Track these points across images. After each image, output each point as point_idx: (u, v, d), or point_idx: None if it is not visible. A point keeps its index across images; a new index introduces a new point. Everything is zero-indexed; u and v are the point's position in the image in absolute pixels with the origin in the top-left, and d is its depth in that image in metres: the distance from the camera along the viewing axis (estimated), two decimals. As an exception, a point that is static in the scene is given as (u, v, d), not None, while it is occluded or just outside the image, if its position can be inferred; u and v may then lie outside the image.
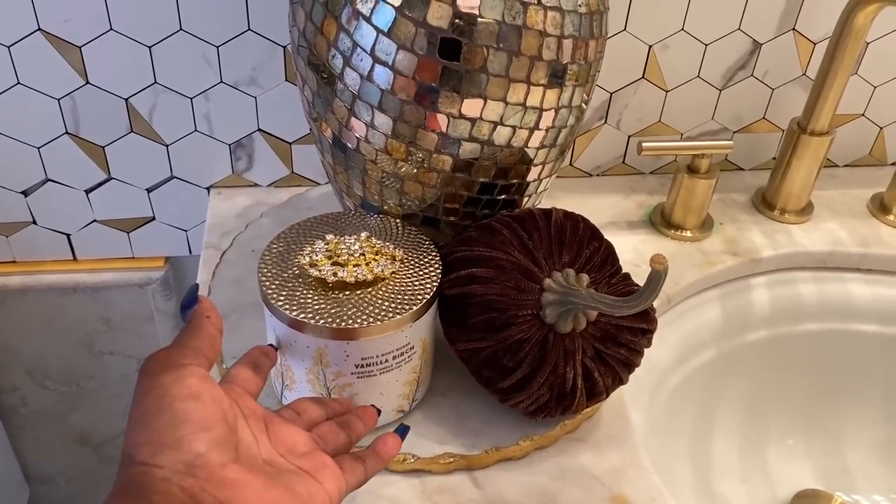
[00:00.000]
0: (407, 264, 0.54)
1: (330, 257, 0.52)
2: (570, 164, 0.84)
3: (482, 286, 0.53)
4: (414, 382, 0.55)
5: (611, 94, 0.80)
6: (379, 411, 0.51)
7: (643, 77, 0.79)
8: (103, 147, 0.76)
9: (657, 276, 0.45)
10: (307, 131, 0.77)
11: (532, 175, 0.57)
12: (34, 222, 0.80)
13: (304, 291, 0.51)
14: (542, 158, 0.56)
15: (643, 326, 0.55)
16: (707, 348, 0.75)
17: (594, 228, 0.57)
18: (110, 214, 0.81)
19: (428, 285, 0.53)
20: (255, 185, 0.81)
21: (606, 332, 0.54)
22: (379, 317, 0.50)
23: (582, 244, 0.55)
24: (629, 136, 0.83)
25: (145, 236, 0.83)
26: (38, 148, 0.75)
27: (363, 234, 0.54)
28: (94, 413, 0.97)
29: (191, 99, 0.74)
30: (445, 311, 0.55)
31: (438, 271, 0.54)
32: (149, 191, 0.79)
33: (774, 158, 0.87)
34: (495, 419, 0.58)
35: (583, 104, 0.56)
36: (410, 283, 0.53)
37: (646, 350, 0.57)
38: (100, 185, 0.78)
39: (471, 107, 0.50)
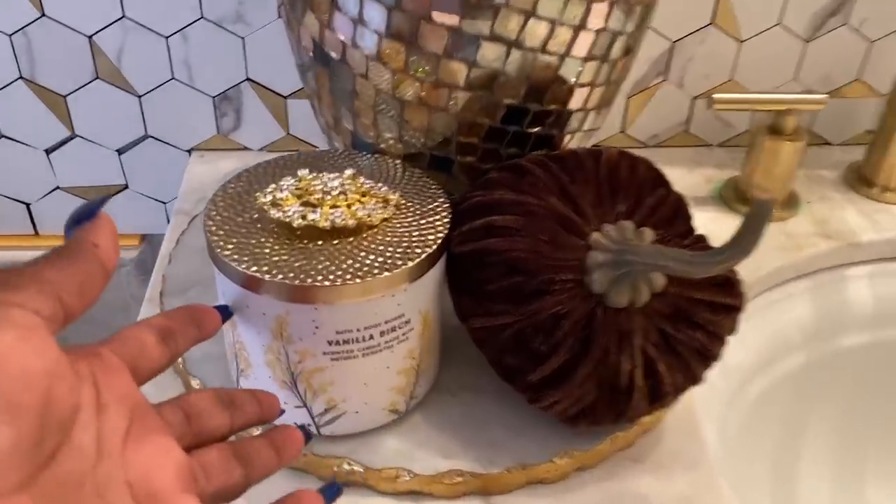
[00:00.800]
0: (404, 210, 0.40)
1: (300, 195, 0.39)
2: (622, 131, 0.70)
3: (504, 240, 0.39)
4: (412, 372, 0.41)
5: (672, 42, 0.65)
6: (308, 436, 0.34)
7: (712, 23, 0.65)
8: (64, 97, 0.64)
9: (762, 211, 0.30)
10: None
11: (576, 101, 0.43)
12: (-13, 188, 0.68)
13: (263, 240, 0.38)
14: (590, 77, 0.42)
15: (727, 301, 0.40)
16: (795, 353, 0.59)
17: (659, 172, 0.43)
18: (76, 180, 0.69)
19: (430, 236, 0.39)
20: (245, 148, 0.68)
21: (677, 309, 0.40)
22: (360, 272, 0.36)
23: (642, 191, 0.41)
24: (694, 98, 0.69)
25: (117, 209, 0.70)
26: (-11, 96, 0.63)
27: (347, 172, 0.40)
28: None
29: (166, 38, 0.62)
30: (455, 276, 0.41)
31: (446, 220, 0.40)
32: (119, 152, 0.67)
33: (870, 132, 0.71)
34: (522, 427, 0.43)
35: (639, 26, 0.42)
36: (407, 234, 0.39)
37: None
38: (62, 143, 0.66)
39: (493, -12, 0.37)
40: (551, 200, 0.40)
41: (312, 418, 0.40)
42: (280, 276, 0.35)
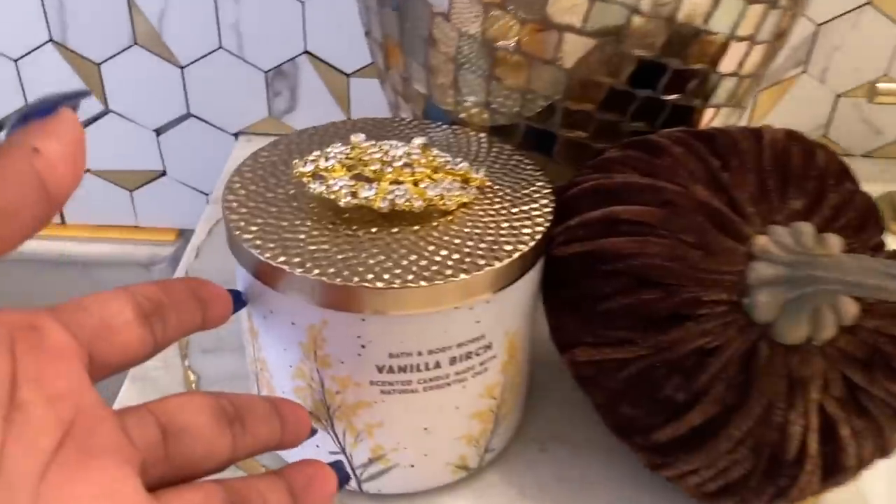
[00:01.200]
0: (489, 194, 0.30)
1: (351, 166, 0.29)
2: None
3: (632, 239, 0.28)
4: (489, 416, 0.30)
5: (817, 25, 0.53)
6: (345, 479, 0.24)
7: (870, 2, 0.53)
8: (98, 64, 0.56)
9: None
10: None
11: (728, 62, 0.32)
12: (12, 168, 0.60)
13: (298, 222, 0.28)
14: (752, 28, 0.31)
15: (950, 344, 0.28)
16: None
17: (843, 163, 0.31)
18: (108, 163, 0.60)
19: (525, 231, 0.28)
20: (299, 134, 0.59)
21: (874, 351, 0.28)
22: (426, 272, 0.25)
23: (822, 185, 0.29)
24: (838, 96, 0.56)
25: (153, 198, 0.62)
26: (15, 61, 0.55)
27: (417, 141, 0.30)
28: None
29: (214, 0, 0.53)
30: (556, 288, 0.30)
31: (547, 210, 0.29)
32: (158, 133, 0.59)
33: None
34: (636, 499, 0.32)
35: None
36: (493, 225, 0.28)
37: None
38: (95, 119, 0.58)
39: None
40: (698, 189, 0.28)
41: (353, 470, 0.30)
42: (316, 271, 0.25)
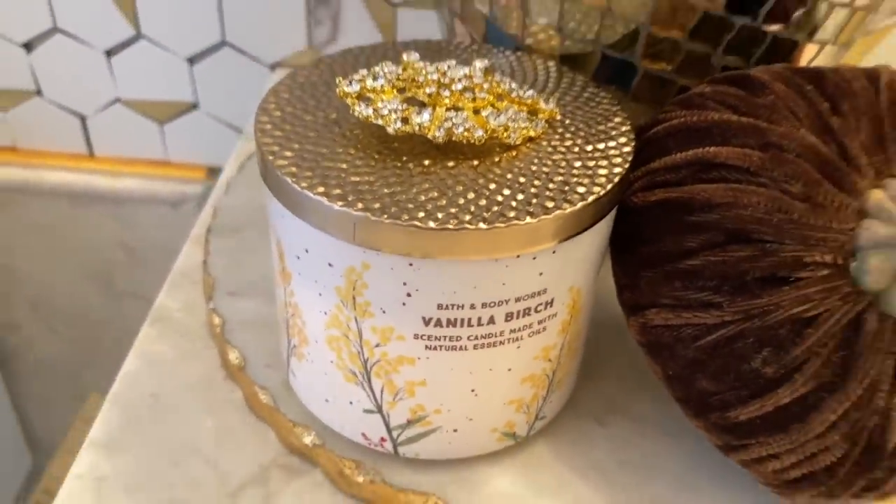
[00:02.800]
0: (560, 129, 0.26)
1: (402, 89, 0.25)
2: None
3: (727, 186, 0.24)
4: (543, 381, 0.27)
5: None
6: None
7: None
8: (131, -15, 0.52)
9: None
10: (421, -14, 0.51)
11: (844, -12, 0.27)
12: (39, 92, 0.58)
13: (340, 150, 0.24)
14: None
15: None
16: None
17: (971, 111, 0.27)
18: (139, 92, 0.57)
19: (602, 171, 0.24)
20: (340, 69, 0.55)
21: None
22: (485, 213, 0.22)
23: (950, 134, 0.25)
24: (931, 51, 0.51)
25: (184, 132, 0.59)
26: (44, -22, 0.52)
27: (479, 64, 0.26)
28: (113, 373, 0.75)
29: (256, -83, 0.49)
30: (630, 241, 0.26)
31: (626, 150, 0.25)
32: (191, 61, 0.55)
33: None
34: (700, 483, 0.28)
35: None
36: (564, 164, 0.24)
37: None
38: (125, 45, 0.55)
39: None
40: (803, 134, 0.24)
41: (389, 430, 0.27)
42: (360, 205, 0.22)
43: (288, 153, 0.24)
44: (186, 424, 0.31)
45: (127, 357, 0.34)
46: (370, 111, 0.24)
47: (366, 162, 0.24)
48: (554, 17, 0.28)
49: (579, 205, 0.23)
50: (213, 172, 0.61)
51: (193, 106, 0.57)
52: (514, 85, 0.26)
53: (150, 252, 0.65)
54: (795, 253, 0.23)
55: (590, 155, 0.25)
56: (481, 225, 0.21)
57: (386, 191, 0.22)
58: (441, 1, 0.33)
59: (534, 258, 0.23)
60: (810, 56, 0.29)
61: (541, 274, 0.23)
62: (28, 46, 0.55)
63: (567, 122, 0.26)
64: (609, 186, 0.23)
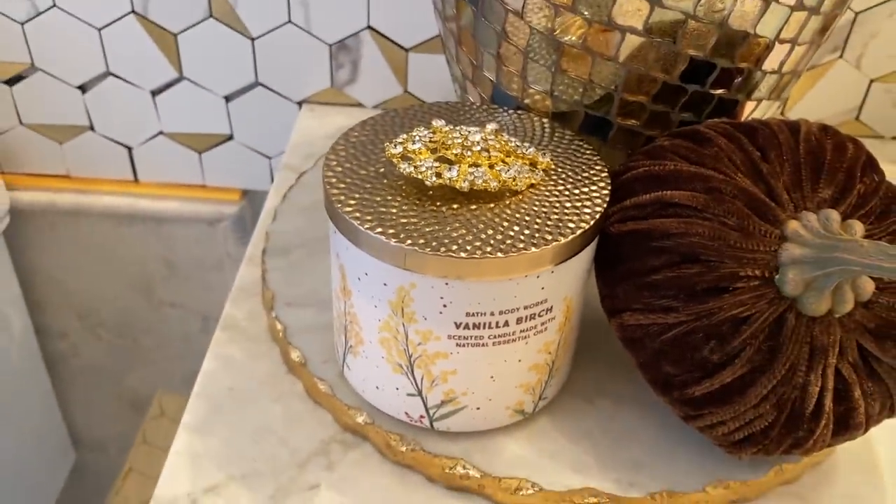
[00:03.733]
0: (554, 177, 0.34)
1: (434, 150, 0.33)
2: (781, 112, 0.61)
3: (680, 220, 0.32)
4: (545, 369, 0.35)
5: (856, 14, 0.56)
6: None
7: (907, -9, 0.55)
8: (175, 35, 0.60)
9: None
10: (430, 33, 0.58)
11: (771, 61, 0.35)
12: (92, 128, 0.65)
13: (389, 198, 0.32)
14: (795, 31, 0.34)
15: (955, 320, 0.32)
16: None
17: (870, 155, 0.35)
18: (180, 126, 0.65)
19: (586, 210, 0.32)
20: (359, 104, 0.63)
21: (886, 324, 0.32)
22: (502, 245, 0.30)
23: (851, 175, 0.33)
24: (871, 81, 0.59)
25: (220, 160, 0.67)
26: (99, 30, 0.60)
27: (490, 126, 0.34)
28: (151, 375, 0.82)
29: (286, -23, 0.57)
30: (610, 261, 0.34)
31: (605, 192, 0.33)
32: (227, 99, 0.63)
33: None
34: (669, 447, 0.36)
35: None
36: (558, 204, 0.32)
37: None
38: (169, 85, 0.62)
39: None
40: (739, 179, 0.32)
41: (427, 409, 0.35)
42: (409, 241, 0.30)
43: (351, 201, 0.32)
44: (259, 411, 0.39)
45: (205, 359, 0.42)
46: (411, 168, 0.32)
47: (410, 207, 0.31)
48: (547, 85, 0.36)
49: (570, 237, 0.30)
50: (247, 194, 0.69)
51: (229, 137, 0.65)
52: (517, 143, 0.34)
53: (188, 265, 0.73)
54: (732, 269, 0.31)
55: (577, 197, 0.33)
56: (498, 254, 0.29)
57: (427, 229, 0.30)
58: (454, 63, 0.41)
59: (538, 277, 0.31)
60: (750, 110, 0.37)
61: (542, 288, 0.31)
62: (83, 88, 0.63)
63: (559, 170, 0.34)
64: (592, 222, 0.31)
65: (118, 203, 0.68)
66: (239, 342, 0.42)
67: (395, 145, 0.33)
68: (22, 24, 0.60)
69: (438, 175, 0.32)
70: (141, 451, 0.81)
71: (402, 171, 0.32)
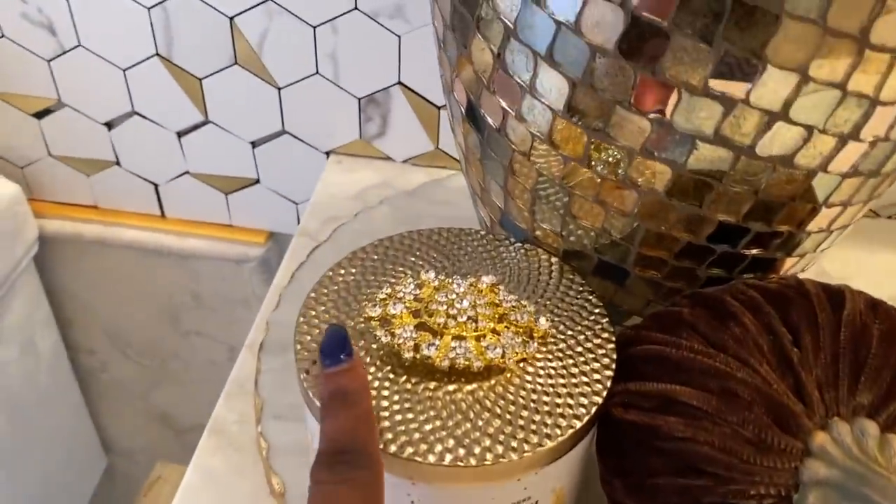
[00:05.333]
0: (551, 346, 0.30)
1: (417, 313, 0.29)
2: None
3: (687, 422, 0.28)
4: (532, 550, 0.31)
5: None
6: None
7: None
8: (200, 79, 0.57)
9: None
10: (464, 93, 0.54)
11: (818, 223, 0.30)
12: (118, 163, 0.64)
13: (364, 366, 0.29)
14: (847, 195, 0.29)
15: None
16: None
17: (926, 345, 0.30)
18: (206, 168, 0.63)
19: (583, 399, 0.28)
20: (387, 158, 0.59)
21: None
22: (474, 451, 0.26)
23: (898, 374, 0.28)
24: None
25: (246, 202, 0.64)
26: (124, 70, 0.58)
27: (485, 280, 0.30)
28: (178, 395, 0.82)
29: (314, 28, 0.53)
30: (608, 443, 0.30)
31: (607, 373, 0.29)
32: (254, 145, 0.60)
33: None
34: None
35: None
36: (551, 388, 0.28)
37: None
38: (195, 128, 0.60)
39: (731, 74, 0.25)
40: (763, 371, 0.28)
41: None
42: (372, 436, 0.26)
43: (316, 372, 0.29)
44: (235, 539, 0.37)
45: (188, 468, 0.40)
46: (388, 337, 0.29)
47: (383, 381, 0.28)
48: (556, 226, 0.32)
49: (558, 439, 0.27)
50: (273, 236, 0.67)
51: (255, 181, 0.63)
52: (515, 300, 0.30)
53: (214, 299, 0.72)
54: (743, 487, 0.27)
55: (574, 378, 0.29)
56: (472, 461, 0.26)
57: (397, 417, 0.27)
58: (467, 175, 0.37)
59: (518, 480, 0.27)
60: (792, 265, 0.33)
61: (525, 489, 0.28)
62: (109, 125, 0.61)
63: (559, 337, 0.30)
64: (586, 418, 0.28)
65: (144, 237, 0.67)
66: (225, 452, 0.40)
67: (375, 305, 0.30)
68: (48, 61, 0.58)
69: (416, 349, 0.28)
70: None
71: (379, 338, 0.29)
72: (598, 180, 0.29)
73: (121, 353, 0.79)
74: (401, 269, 0.33)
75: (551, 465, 0.28)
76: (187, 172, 0.63)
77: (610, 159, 0.29)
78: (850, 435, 0.27)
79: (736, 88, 0.25)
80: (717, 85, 0.25)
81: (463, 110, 0.33)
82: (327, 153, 0.60)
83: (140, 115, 0.60)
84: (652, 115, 0.26)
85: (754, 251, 0.31)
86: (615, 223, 0.31)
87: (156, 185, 0.65)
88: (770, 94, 0.25)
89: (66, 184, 0.66)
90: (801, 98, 0.25)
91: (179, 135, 0.61)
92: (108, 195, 0.66)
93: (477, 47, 0.30)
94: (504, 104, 0.30)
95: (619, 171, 0.29)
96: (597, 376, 0.29)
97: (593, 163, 0.29)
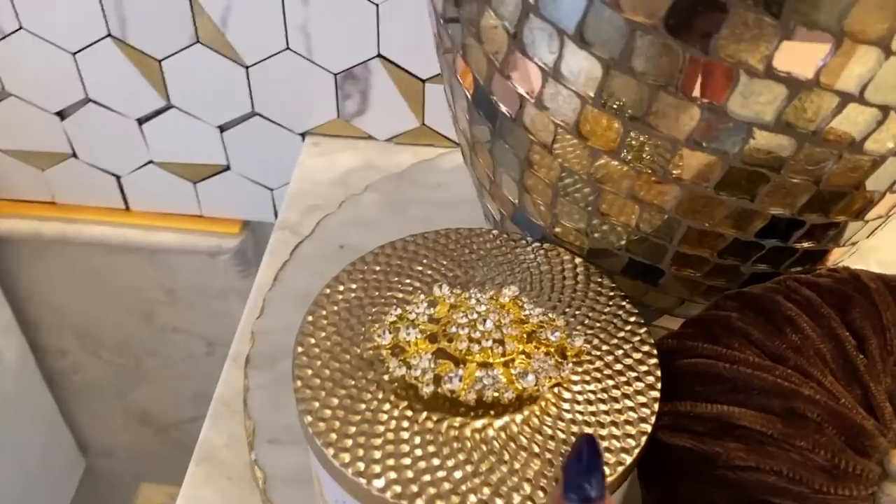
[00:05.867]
0: (588, 370, 0.26)
1: (433, 338, 0.26)
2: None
3: (750, 451, 0.24)
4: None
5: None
6: None
7: None
8: (159, 61, 0.52)
9: None
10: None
11: (878, 210, 0.27)
12: (74, 155, 0.58)
13: (375, 403, 0.25)
14: (914, 180, 0.26)
15: None
16: None
17: None
18: (171, 156, 0.58)
19: (629, 427, 0.25)
20: (369, 137, 0.55)
21: None
22: (514, 500, 0.23)
23: (976, 377, 0.25)
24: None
25: (217, 190, 0.60)
26: (73, 54, 0.52)
27: (507, 293, 0.27)
28: (157, 393, 0.78)
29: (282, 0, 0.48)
30: (655, 470, 0.27)
31: (653, 393, 0.26)
32: (222, 129, 0.56)
33: None
34: None
35: None
36: (592, 416, 0.25)
37: None
38: (157, 114, 0.55)
39: (799, 53, 0.21)
40: (829, 385, 0.25)
41: None
42: (397, 489, 0.23)
43: (326, 411, 0.25)
44: (235, 582, 0.33)
45: (177, 499, 0.36)
46: (404, 370, 0.25)
47: (400, 421, 0.25)
48: (582, 224, 0.29)
49: (608, 480, 0.23)
50: (248, 225, 0.62)
51: (226, 168, 0.58)
52: (542, 314, 0.26)
53: (190, 293, 0.67)
54: (815, 518, 0.24)
55: (617, 404, 0.25)
56: (511, 512, 0.23)
57: (421, 464, 0.24)
58: (471, 167, 0.33)
59: (561, 525, 0.24)
60: (840, 255, 0.29)
61: (568, 532, 0.24)
62: (61, 115, 0.56)
63: (594, 353, 0.27)
64: (636, 452, 0.24)
65: (109, 232, 0.62)
66: (216, 481, 0.36)
67: (384, 330, 0.26)
68: (-13, 46, 0.52)
69: (437, 382, 0.25)
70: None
71: (391, 371, 0.25)
72: (634, 174, 0.25)
73: (92, 354, 0.75)
74: (408, 281, 0.29)
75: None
76: (151, 162, 0.58)
77: (648, 151, 0.25)
78: (932, 452, 0.24)
79: (804, 67, 0.21)
80: (781, 64, 0.21)
81: (469, 95, 0.29)
82: (303, 135, 0.55)
83: (95, 103, 0.55)
84: (702, 102, 0.23)
85: (806, 244, 0.28)
86: (651, 220, 0.27)
87: (118, 177, 0.60)
88: (845, 72, 0.21)
89: (18, 179, 0.61)
90: (882, 73, 0.21)
91: (140, 122, 0.56)
92: (67, 190, 0.61)
93: (488, 25, 0.25)
94: (521, 90, 0.26)
95: (659, 165, 0.25)
96: (642, 399, 0.26)
97: (630, 157, 0.25)
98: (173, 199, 0.61)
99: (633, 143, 0.25)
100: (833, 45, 0.21)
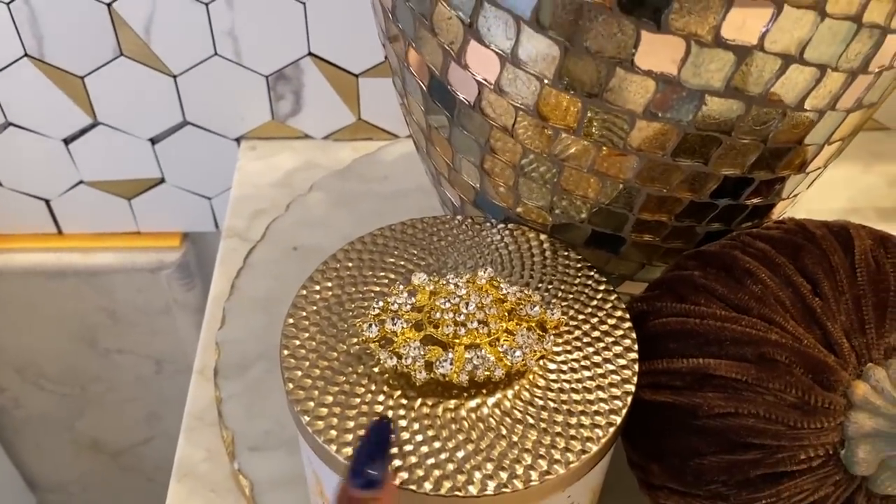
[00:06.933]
0: (569, 340, 0.28)
1: (419, 325, 0.26)
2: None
3: (728, 397, 0.26)
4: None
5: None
6: None
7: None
8: (82, 78, 0.51)
9: None
10: (383, 57, 0.50)
11: (817, 162, 0.29)
12: (-2, 183, 0.56)
13: (370, 396, 0.25)
14: (849, 130, 0.28)
15: None
16: None
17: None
18: (102, 174, 0.56)
19: (614, 390, 0.26)
20: (306, 136, 0.55)
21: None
22: (518, 471, 0.24)
23: (920, 306, 0.28)
24: (878, 72, 0.53)
25: (153, 205, 0.58)
26: (-11, 77, 0.50)
27: (482, 274, 0.27)
28: (106, 419, 0.76)
29: (206, 5, 0.47)
30: (642, 432, 0.28)
31: (631, 355, 0.27)
32: (153, 142, 0.54)
33: None
34: None
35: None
36: (578, 384, 0.26)
37: None
38: (83, 132, 0.54)
39: (743, 20, 0.23)
40: (792, 328, 0.26)
41: None
42: (403, 476, 0.23)
43: (322, 409, 0.25)
44: (234, 592, 0.33)
45: (162, 521, 0.36)
46: (395, 360, 0.25)
47: (396, 412, 0.25)
48: (544, 202, 0.30)
49: (602, 442, 0.25)
50: (188, 237, 0.61)
51: (160, 181, 0.57)
52: (519, 291, 0.27)
53: (132, 314, 0.65)
54: (791, 453, 0.26)
55: (600, 369, 0.27)
56: (518, 484, 0.23)
57: (423, 448, 0.24)
58: (424, 159, 0.34)
59: (563, 491, 0.25)
60: (784, 208, 0.31)
61: (569, 496, 0.26)
62: (-20, 141, 0.54)
63: (572, 324, 0.28)
64: (624, 411, 0.25)
65: (42, 259, 0.60)
66: (201, 495, 0.36)
67: (371, 323, 0.26)
68: None
69: (429, 369, 0.25)
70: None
71: (382, 361, 0.25)
72: (594, 149, 0.27)
73: (35, 386, 0.72)
74: (382, 274, 0.29)
75: (596, 468, 0.25)
76: (81, 182, 0.57)
77: (607, 126, 0.26)
78: (889, 380, 0.26)
79: (749, 35, 0.23)
80: (728, 33, 0.23)
81: (424, 86, 0.29)
82: (238, 140, 0.55)
83: (16, 126, 0.53)
84: (656, 74, 0.24)
85: (755, 200, 0.29)
86: (612, 191, 0.28)
87: (47, 201, 0.58)
88: (785, 36, 0.23)
89: (-61, 213, 0.58)
90: (818, 34, 0.23)
91: (66, 142, 0.54)
92: (-8, 219, 0.59)
93: (441, 17, 0.26)
94: (479, 77, 0.26)
95: (619, 137, 0.26)
96: (622, 361, 0.27)
97: (589, 133, 0.26)
98: (108, 218, 0.59)
99: (593, 119, 0.26)
100: (774, 12, 0.22)
